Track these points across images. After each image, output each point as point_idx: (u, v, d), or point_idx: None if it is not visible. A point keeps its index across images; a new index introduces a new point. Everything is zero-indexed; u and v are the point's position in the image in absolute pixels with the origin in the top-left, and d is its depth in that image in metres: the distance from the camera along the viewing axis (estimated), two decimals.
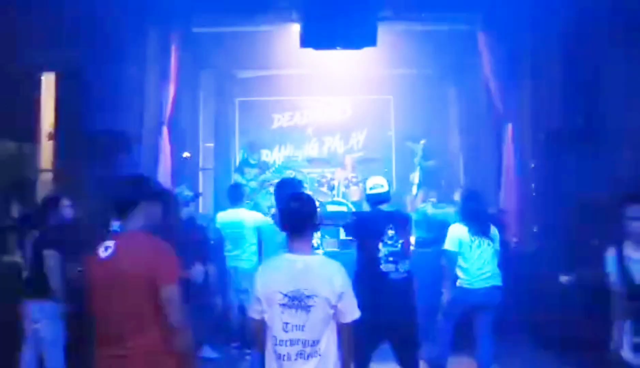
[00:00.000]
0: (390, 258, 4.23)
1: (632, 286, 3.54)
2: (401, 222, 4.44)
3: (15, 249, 5.19)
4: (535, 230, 7.10)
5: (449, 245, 5.01)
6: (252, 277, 6.13)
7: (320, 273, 2.81)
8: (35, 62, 7.10)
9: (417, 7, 7.47)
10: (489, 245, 4.99)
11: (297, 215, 2.88)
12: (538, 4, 6.94)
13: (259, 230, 6.03)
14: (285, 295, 2.74)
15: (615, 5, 6.02)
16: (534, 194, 7.18)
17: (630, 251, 3.58)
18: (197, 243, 5.02)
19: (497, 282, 5.00)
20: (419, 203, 8.19)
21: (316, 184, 9.16)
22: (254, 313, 2.86)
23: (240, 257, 6.04)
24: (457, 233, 4.99)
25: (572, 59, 6.66)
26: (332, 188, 8.89)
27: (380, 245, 4.24)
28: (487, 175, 8.34)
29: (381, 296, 4.09)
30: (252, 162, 9.05)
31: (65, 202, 4.80)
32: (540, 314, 6.02)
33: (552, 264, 6.17)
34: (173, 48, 7.68)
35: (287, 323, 2.73)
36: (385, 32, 7.34)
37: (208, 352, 5.82)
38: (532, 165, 7.24)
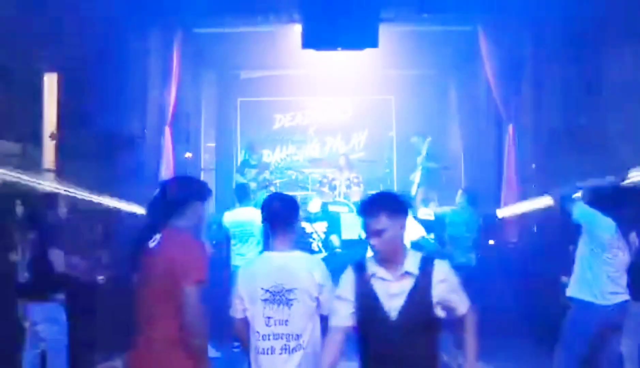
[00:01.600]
0: None
1: None
2: None
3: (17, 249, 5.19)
4: (535, 230, 7.12)
5: None
6: None
7: (300, 267, 2.87)
8: (37, 62, 7.13)
9: (419, 8, 7.49)
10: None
11: (278, 213, 2.94)
12: (539, 4, 6.96)
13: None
14: (267, 291, 2.80)
15: (615, 5, 6.04)
16: (534, 194, 7.18)
17: None
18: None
19: None
20: (419, 203, 8.20)
21: (317, 184, 9.19)
22: (236, 312, 2.90)
23: (249, 256, 6.02)
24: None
25: (572, 60, 6.68)
26: (333, 188, 8.91)
27: None
28: (488, 176, 8.35)
29: None
30: (253, 162, 9.06)
31: (63, 202, 4.79)
32: (540, 314, 6.04)
33: (552, 264, 6.18)
34: (175, 48, 7.72)
35: (269, 318, 2.79)
36: (386, 33, 7.36)
37: (210, 351, 5.84)
38: (533, 166, 7.26)
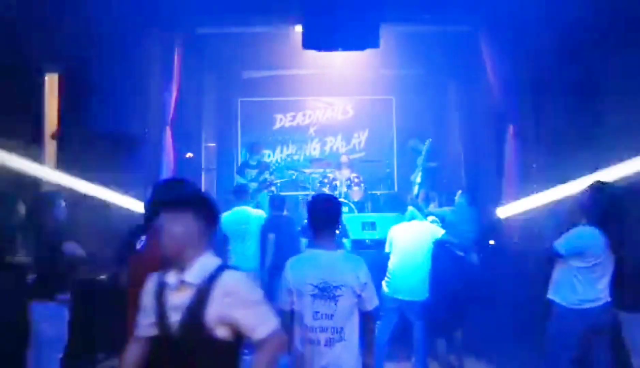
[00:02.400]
0: None
1: None
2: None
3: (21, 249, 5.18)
4: (536, 231, 7.11)
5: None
6: (257, 277, 6.18)
7: (346, 266, 3.09)
8: (38, 62, 7.14)
9: (419, 8, 7.49)
10: None
11: (324, 214, 3.16)
12: (539, 4, 6.96)
13: (263, 229, 6.07)
14: (316, 287, 3.01)
15: (616, 5, 6.04)
16: (535, 195, 7.19)
17: None
18: None
19: None
20: (420, 203, 8.19)
21: (318, 184, 9.20)
22: (284, 304, 3.10)
23: (245, 255, 6.04)
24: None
25: (573, 60, 6.68)
26: (334, 188, 8.92)
27: None
28: (489, 176, 8.36)
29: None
30: (252, 163, 9.10)
31: (62, 202, 4.79)
32: (540, 316, 6.04)
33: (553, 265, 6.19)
34: (176, 48, 7.72)
35: (317, 312, 3.01)
36: (387, 33, 7.38)
37: None
38: (534, 166, 7.26)
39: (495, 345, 5.91)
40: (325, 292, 2.99)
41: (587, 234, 3.99)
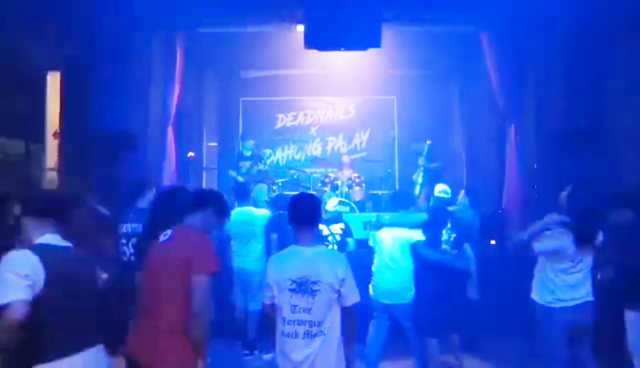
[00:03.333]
0: (444, 247, 4.89)
1: None
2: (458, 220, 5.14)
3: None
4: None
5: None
6: (261, 278, 6.17)
7: (325, 262, 3.18)
8: (41, 61, 7.15)
9: (421, 8, 7.49)
10: None
11: (304, 210, 3.27)
12: (541, 4, 6.97)
13: (267, 229, 6.02)
14: (294, 281, 3.10)
15: (617, 5, 6.05)
16: (536, 195, 7.20)
17: None
18: None
19: None
20: (422, 203, 8.20)
21: (319, 184, 9.21)
22: (266, 298, 3.23)
23: (249, 256, 5.98)
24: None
25: (574, 60, 6.69)
26: (335, 188, 8.93)
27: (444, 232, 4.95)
28: (490, 176, 8.37)
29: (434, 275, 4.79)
30: (247, 153, 9.00)
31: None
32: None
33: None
34: (178, 48, 7.74)
35: (295, 306, 3.10)
36: (389, 33, 7.38)
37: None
38: (535, 166, 7.27)
39: (491, 342, 5.91)
40: (303, 286, 3.09)
41: (560, 234, 4.06)
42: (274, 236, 5.89)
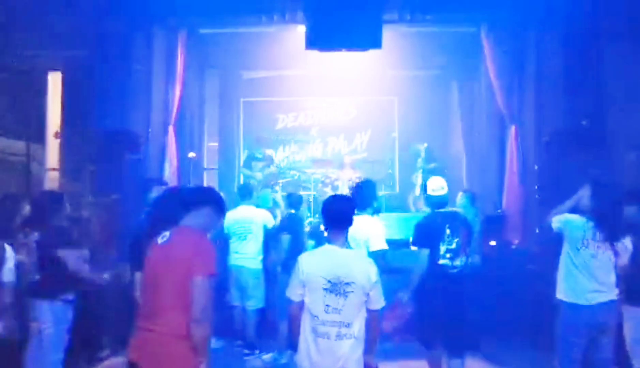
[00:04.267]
0: (447, 255, 4.52)
1: None
2: (457, 222, 4.67)
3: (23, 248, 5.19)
4: (537, 232, 7.13)
5: None
6: (257, 277, 6.15)
7: (358, 264, 3.21)
8: (42, 61, 7.16)
9: (422, 9, 7.50)
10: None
11: (339, 213, 3.29)
12: (541, 5, 6.98)
13: (266, 229, 6.05)
14: (328, 281, 3.10)
15: (618, 6, 6.06)
16: (537, 196, 7.20)
17: None
18: None
19: None
20: (422, 206, 8.21)
21: (320, 185, 9.21)
22: (294, 295, 3.20)
23: (247, 255, 6.02)
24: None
25: (575, 60, 6.69)
26: (335, 188, 8.94)
27: (441, 245, 4.52)
28: (490, 177, 8.37)
29: (438, 288, 4.44)
30: (259, 156, 9.13)
31: (67, 201, 4.78)
32: (541, 316, 6.05)
33: (554, 266, 6.19)
34: (179, 49, 7.74)
35: (328, 306, 3.09)
36: (390, 34, 7.39)
37: (213, 342, 5.91)
38: (536, 167, 7.27)
39: (493, 341, 5.91)
40: (337, 287, 3.09)
41: (577, 220, 4.01)
42: (286, 237, 5.88)
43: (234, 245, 6.06)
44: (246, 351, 5.98)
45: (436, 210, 4.65)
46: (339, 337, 3.07)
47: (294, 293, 3.20)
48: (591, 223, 3.95)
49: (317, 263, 3.20)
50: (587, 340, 3.94)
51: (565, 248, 4.07)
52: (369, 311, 3.17)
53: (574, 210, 4.13)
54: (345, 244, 3.27)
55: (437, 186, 4.65)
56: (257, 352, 5.92)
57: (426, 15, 7.57)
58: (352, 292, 3.08)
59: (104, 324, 5.36)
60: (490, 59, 7.73)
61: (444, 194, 4.65)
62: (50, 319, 4.38)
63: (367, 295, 3.13)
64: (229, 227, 6.03)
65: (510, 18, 7.54)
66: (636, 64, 5.93)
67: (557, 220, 4.10)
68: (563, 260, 4.09)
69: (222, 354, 5.88)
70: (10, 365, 4.42)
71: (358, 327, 3.11)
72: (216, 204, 3.20)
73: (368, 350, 3.19)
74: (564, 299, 4.02)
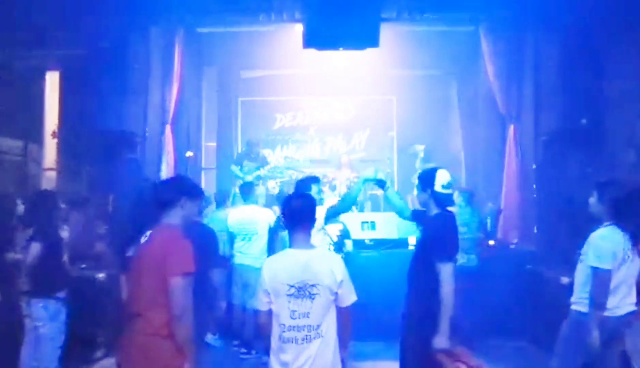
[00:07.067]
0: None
1: None
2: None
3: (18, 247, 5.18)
4: (535, 231, 7.12)
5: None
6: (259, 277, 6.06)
7: (322, 264, 3.09)
8: (39, 61, 7.15)
9: (420, 8, 7.50)
10: None
11: (298, 212, 3.15)
12: (540, 5, 6.97)
13: (270, 228, 6.04)
14: (292, 286, 3.01)
15: (618, 6, 6.04)
16: (535, 195, 7.20)
17: None
18: (208, 246, 4.95)
19: None
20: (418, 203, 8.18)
21: None
22: (261, 305, 3.10)
23: (252, 255, 6.01)
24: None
25: (574, 60, 6.69)
26: (333, 188, 8.92)
27: None
28: (489, 176, 8.36)
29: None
30: (252, 156, 9.07)
31: (60, 200, 4.78)
32: (540, 315, 6.04)
33: (552, 265, 6.19)
34: (177, 48, 7.73)
35: (294, 311, 3.01)
36: (388, 33, 7.37)
37: (212, 340, 5.91)
38: (534, 166, 7.26)
39: (489, 340, 5.90)
40: (302, 291, 3.01)
41: (615, 235, 3.71)
42: (284, 234, 5.86)
43: (238, 245, 6.07)
44: (243, 350, 5.97)
45: (448, 209, 3.99)
46: (306, 339, 3.01)
47: (260, 302, 3.11)
48: (626, 235, 3.67)
49: (279, 270, 3.09)
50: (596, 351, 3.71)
51: (587, 258, 3.75)
52: (339, 309, 3.09)
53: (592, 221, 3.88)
54: (309, 244, 3.16)
55: (447, 181, 3.86)
56: (253, 352, 5.91)
57: (424, 13, 7.57)
58: (318, 293, 3.00)
59: (98, 324, 5.33)
60: (489, 59, 7.72)
61: (451, 194, 4.01)
62: (45, 317, 4.39)
63: (335, 294, 3.05)
64: (233, 227, 6.04)
65: (509, 17, 7.53)
66: (634, 63, 5.92)
67: (601, 256, 3.66)
68: (582, 268, 3.80)
69: (219, 353, 5.88)
70: (5, 361, 4.41)
71: (326, 326, 3.04)
72: (189, 193, 3.15)
73: (341, 345, 3.13)
74: (607, 314, 3.68)
